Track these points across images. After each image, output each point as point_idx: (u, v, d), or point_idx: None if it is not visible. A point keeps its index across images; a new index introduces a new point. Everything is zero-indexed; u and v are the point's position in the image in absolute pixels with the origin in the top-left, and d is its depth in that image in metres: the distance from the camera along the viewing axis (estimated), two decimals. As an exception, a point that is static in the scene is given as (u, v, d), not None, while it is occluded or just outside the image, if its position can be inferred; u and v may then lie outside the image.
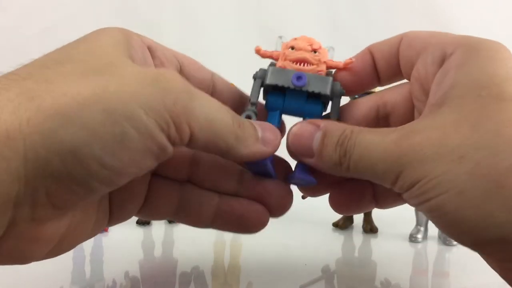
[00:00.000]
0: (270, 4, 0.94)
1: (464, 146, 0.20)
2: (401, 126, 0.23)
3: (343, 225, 0.44)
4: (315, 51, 0.27)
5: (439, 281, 0.33)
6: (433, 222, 0.23)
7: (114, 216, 0.25)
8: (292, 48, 0.27)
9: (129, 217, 0.26)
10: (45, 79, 0.19)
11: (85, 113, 0.18)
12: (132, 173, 0.20)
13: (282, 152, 0.27)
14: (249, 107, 0.27)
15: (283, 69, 0.27)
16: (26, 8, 0.86)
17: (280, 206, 0.27)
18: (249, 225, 0.27)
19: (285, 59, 0.27)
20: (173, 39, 0.94)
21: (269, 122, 0.27)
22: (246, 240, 0.32)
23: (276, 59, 0.28)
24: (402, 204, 0.30)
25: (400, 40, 0.28)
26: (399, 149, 0.22)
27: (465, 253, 0.24)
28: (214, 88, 0.28)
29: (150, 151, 0.19)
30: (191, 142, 0.20)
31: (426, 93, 0.25)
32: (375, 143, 0.23)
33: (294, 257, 0.32)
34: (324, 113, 0.28)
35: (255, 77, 0.27)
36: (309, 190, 0.29)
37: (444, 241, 0.39)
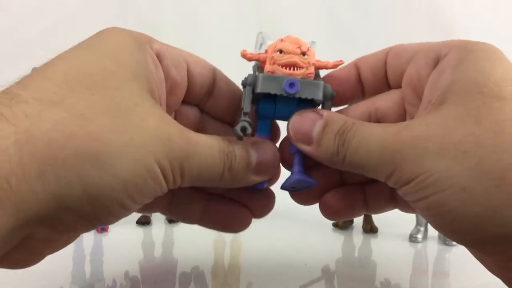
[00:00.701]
0: (270, 4, 0.94)
1: (468, 142, 0.20)
2: (401, 122, 0.23)
3: (343, 225, 0.44)
4: (304, 53, 0.26)
5: (439, 281, 0.33)
6: (430, 220, 0.22)
7: None
8: (280, 51, 0.26)
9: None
10: (80, 114, 0.20)
11: (117, 162, 0.20)
12: (137, 209, 0.22)
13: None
14: (242, 117, 0.26)
15: (274, 76, 0.26)
16: (26, 8, 0.86)
17: (263, 209, 0.28)
18: (232, 225, 0.29)
19: (273, 63, 0.26)
20: (173, 39, 0.94)
21: (260, 131, 0.28)
22: (246, 240, 0.32)
23: (263, 62, 0.27)
24: (392, 209, 0.30)
25: (387, 52, 0.28)
26: (398, 139, 0.22)
27: (465, 253, 0.24)
28: (214, 84, 0.29)
29: (156, 194, 0.22)
30: (182, 185, 0.24)
31: (418, 96, 0.25)
32: (375, 133, 0.23)
33: (294, 257, 0.32)
34: None
35: (244, 84, 0.26)
36: (302, 199, 0.29)
37: (444, 241, 0.39)
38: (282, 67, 0.26)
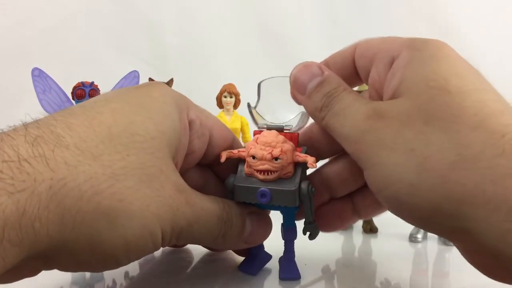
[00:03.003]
0: (270, 4, 0.94)
1: (416, 140, 0.22)
2: (375, 102, 0.25)
3: (343, 225, 0.44)
4: (276, 158, 0.27)
5: (439, 281, 0.33)
6: (392, 212, 0.24)
7: None
8: (253, 157, 0.27)
9: None
10: (112, 172, 0.21)
11: (128, 224, 0.21)
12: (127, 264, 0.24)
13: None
14: None
15: (247, 187, 0.28)
16: (26, 8, 0.86)
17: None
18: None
19: (250, 166, 0.28)
20: (173, 39, 0.94)
21: None
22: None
23: (243, 159, 0.28)
24: (383, 211, 0.30)
25: (353, 50, 0.29)
26: (366, 125, 0.24)
27: (465, 253, 0.24)
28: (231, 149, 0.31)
29: (149, 253, 0.24)
30: (175, 243, 0.26)
31: (381, 97, 0.26)
32: (353, 108, 0.25)
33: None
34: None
35: (225, 186, 0.29)
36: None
37: (444, 241, 0.39)
38: (257, 171, 0.27)
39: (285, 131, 0.29)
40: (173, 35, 0.90)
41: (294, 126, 0.29)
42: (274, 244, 0.32)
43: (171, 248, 0.37)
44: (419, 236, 0.40)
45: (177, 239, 0.25)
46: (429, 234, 0.40)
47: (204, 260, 0.35)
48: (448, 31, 0.88)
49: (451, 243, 0.39)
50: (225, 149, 0.30)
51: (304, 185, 0.27)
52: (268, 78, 0.30)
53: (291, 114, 0.29)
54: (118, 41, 0.90)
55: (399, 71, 0.24)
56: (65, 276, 0.31)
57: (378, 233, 0.42)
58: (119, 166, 0.22)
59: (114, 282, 0.30)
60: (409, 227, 0.41)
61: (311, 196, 0.28)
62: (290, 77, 0.28)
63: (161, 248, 0.38)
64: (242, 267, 0.31)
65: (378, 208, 0.30)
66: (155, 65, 0.87)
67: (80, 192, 0.20)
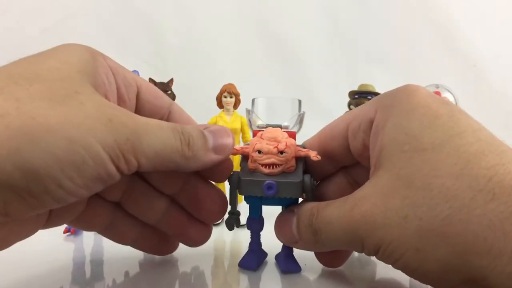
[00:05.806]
0: (270, 4, 0.94)
1: (405, 206, 0.22)
2: (353, 193, 0.25)
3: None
4: (281, 152, 0.28)
5: (439, 281, 0.33)
6: (410, 276, 0.24)
7: (50, 222, 0.27)
8: (259, 151, 0.28)
9: (62, 223, 0.29)
10: (16, 98, 0.20)
11: (50, 139, 0.20)
12: (82, 194, 0.22)
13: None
14: (231, 215, 0.30)
15: (253, 180, 0.28)
16: (26, 8, 0.86)
17: (197, 243, 0.33)
18: (160, 251, 0.34)
19: (254, 161, 0.29)
20: (173, 39, 0.94)
21: (251, 214, 0.31)
22: (246, 240, 0.33)
23: (246, 155, 0.29)
24: None
25: (317, 142, 0.30)
26: (353, 220, 0.24)
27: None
28: (169, 117, 0.31)
29: (101, 178, 0.22)
30: (140, 169, 0.23)
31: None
32: (335, 217, 0.26)
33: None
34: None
35: (229, 182, 0.29)
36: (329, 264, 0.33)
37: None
38: (262, 166, 0.28)
39: (283, 130, 0.30)
40: (173, 35, 0.91)
41: (291, 126, 0.31)
42: (270, 242, 0.32)
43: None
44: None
45: (136, 157, 0.23)
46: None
47: (205, 259, 0.35)
48: (448, 30, 0.88)
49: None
50: (160, 110, 0.30)
51: (307, 178, 0.29)
52: (262, 97, 0.32)
53: (287, 117, 0.31)
54: (118, 41, 0.90)
55: (378, 136, 0.25)
56: (65, 276, 0.31)
57: (378, 233, 0.42)
58: (23, 94, 0.20)
59: (114, 281, 0.30)
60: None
61: (313, 188, 0.29)
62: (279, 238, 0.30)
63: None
64: (241, 263, 0.32)
65: None
66: (155, 65, 0.88)
67: None
